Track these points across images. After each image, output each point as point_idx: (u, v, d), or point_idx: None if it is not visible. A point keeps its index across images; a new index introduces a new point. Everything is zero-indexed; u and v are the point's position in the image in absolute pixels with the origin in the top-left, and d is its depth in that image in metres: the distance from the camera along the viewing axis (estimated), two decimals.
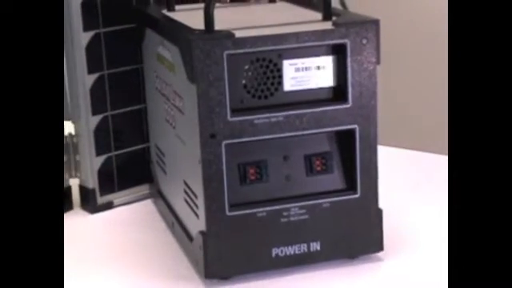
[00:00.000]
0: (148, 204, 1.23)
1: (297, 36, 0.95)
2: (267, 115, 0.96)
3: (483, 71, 0.81)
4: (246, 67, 0.95)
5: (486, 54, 0.81)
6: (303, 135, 0.98)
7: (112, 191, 1.23)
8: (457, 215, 0.80)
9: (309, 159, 1.00)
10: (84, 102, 1.18)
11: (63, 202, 1.17)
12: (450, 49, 0.83)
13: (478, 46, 0.82)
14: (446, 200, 1.17)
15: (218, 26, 0.95)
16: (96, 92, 1.19)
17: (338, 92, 0.98)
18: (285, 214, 0.98)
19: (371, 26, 0.96)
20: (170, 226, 1.13)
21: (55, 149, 0.84)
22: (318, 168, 1.00)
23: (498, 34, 0.81)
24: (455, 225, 0.80)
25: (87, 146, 1.19)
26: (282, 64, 0.96)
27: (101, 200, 1.22)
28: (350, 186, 1.00)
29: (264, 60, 0.95)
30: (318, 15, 1.00)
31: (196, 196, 0.99)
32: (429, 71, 1.85)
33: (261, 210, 0.98)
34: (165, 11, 1.13)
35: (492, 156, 0.80)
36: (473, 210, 0.79)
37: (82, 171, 1.21)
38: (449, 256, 0.81)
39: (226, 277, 0.99)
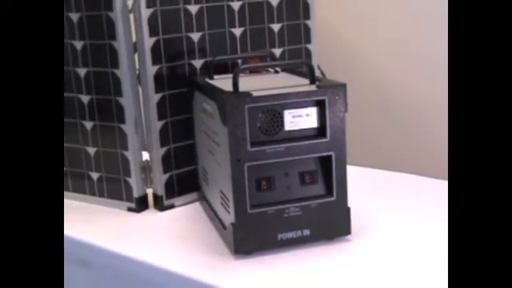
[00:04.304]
0: (197, 205, 1.23)
1: (293, 95, 0.95)
2: (274, 146, 0.96)
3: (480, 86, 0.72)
4: (260, 115, 0.95)
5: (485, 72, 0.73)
6: (298, 159, 0.97)
7: (173, 196, 1.22)
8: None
9: (302, 175, 0.99)
10: (155, 138, 1.18)
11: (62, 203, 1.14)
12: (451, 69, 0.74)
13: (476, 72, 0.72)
14: (393, 202, 1.18)
15: (242, 88, 0.95)
16: (163, 132, 1.19)
17: (320, 131, 0.98)
18: (286, 211, 0.98)
19: (341, 87, 0.97)
20: (212, 220, 1.13)
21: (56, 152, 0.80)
22: (308, 181, 0.99)
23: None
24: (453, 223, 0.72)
25: (157, 167, 1.19)
26: (283, 113, 0.96)
27: (166, 202, 1.21)
28: (329, 192, 0.99)
29: (272, 110, 0.95)
30: (306, 81, 1.01)
31: (228, 200, 0.99)
32: (381, 116, 1.85)
33: (270, 208, 0.97)
34: (207, 79, 1.14)
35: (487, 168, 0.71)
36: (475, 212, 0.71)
37: (154, 184, 1.21)
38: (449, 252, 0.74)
39: (248, 252, 0.98)
